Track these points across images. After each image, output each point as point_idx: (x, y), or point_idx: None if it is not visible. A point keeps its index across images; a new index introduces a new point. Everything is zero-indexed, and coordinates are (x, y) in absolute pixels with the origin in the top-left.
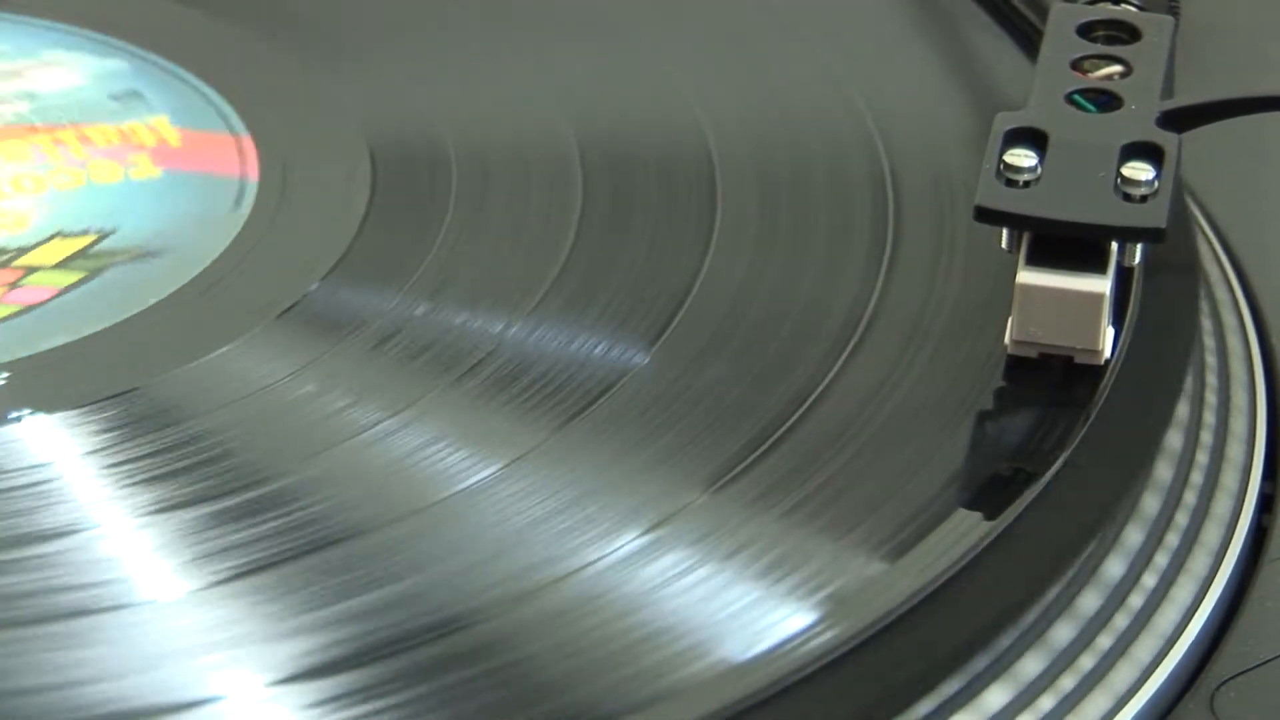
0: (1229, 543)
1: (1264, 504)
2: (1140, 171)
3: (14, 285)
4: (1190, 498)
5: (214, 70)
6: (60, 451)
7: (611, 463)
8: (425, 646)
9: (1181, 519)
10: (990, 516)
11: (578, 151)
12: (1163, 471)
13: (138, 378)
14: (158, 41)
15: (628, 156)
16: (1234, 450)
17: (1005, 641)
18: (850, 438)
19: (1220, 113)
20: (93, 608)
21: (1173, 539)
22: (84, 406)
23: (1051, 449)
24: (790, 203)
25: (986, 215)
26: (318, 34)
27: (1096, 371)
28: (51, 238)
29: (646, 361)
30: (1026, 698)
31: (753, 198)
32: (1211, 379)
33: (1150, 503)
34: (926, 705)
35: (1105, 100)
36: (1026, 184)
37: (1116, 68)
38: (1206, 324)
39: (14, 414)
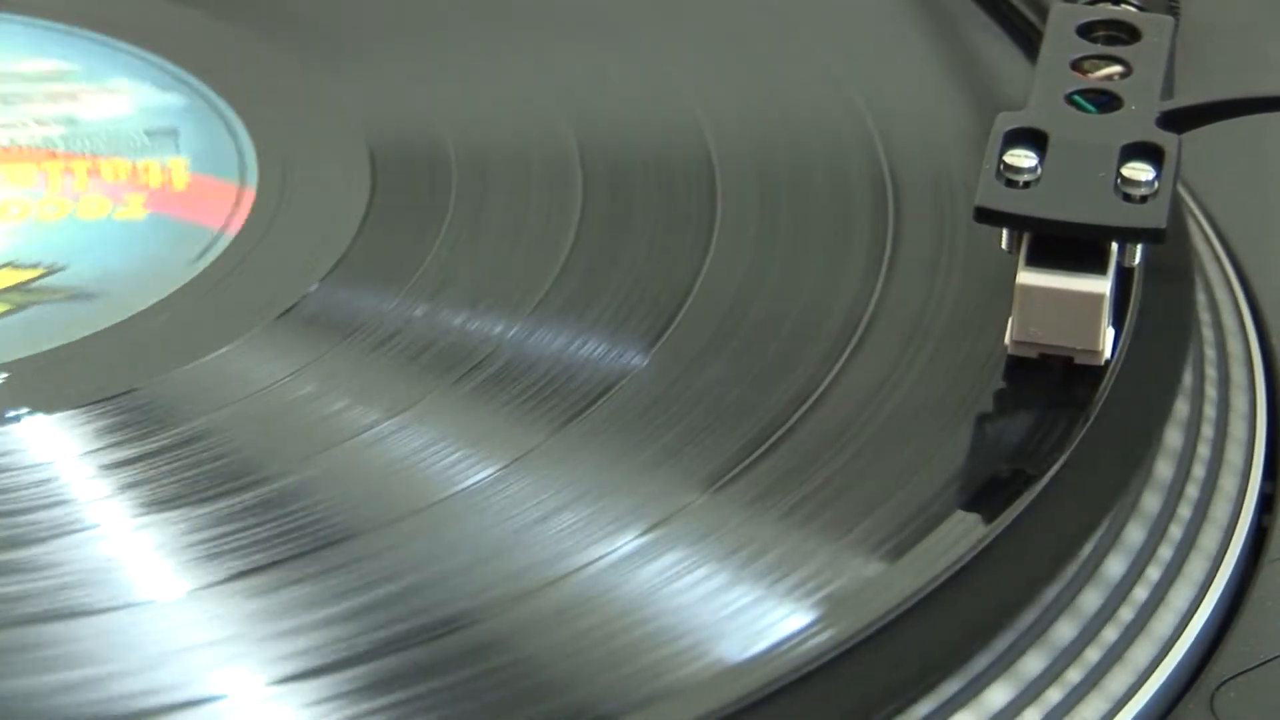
0: (1229, 543)
1: (1264, 504)
2: (1140, 172)
3: None
4: (1191, 495)
5: (214, 70)
6: (59, 452)
7: (611, 463)
8: (424, 646)
9: (1183, 515)
10: (989, 518)
11: (578, 151)
12: (1163, 470)
13: (137, 378)
14: (158, 43)
15: (628, 156)
16: (1234, 449)
17: (1006, 641)
18: (850, 438)
19: (1220, 113)
20: (92, 608)
21: (1174, 536)
22: (83, 407)
23: (1051, 450)
24: (790, 203)
25: (986, 216)
26: (318, 34)
27: (1096, 372)
28: (3, 267)
29: (646, 362)
30: (1028, 696)
31: (753, 198)
32: (1211, 379)
33: (1151, 501)
34: (926, 705)
35: (1105, 100)
36: (1026, 184)
37: (1116, 68)
38: (1206, 324)
39: (13, 414)
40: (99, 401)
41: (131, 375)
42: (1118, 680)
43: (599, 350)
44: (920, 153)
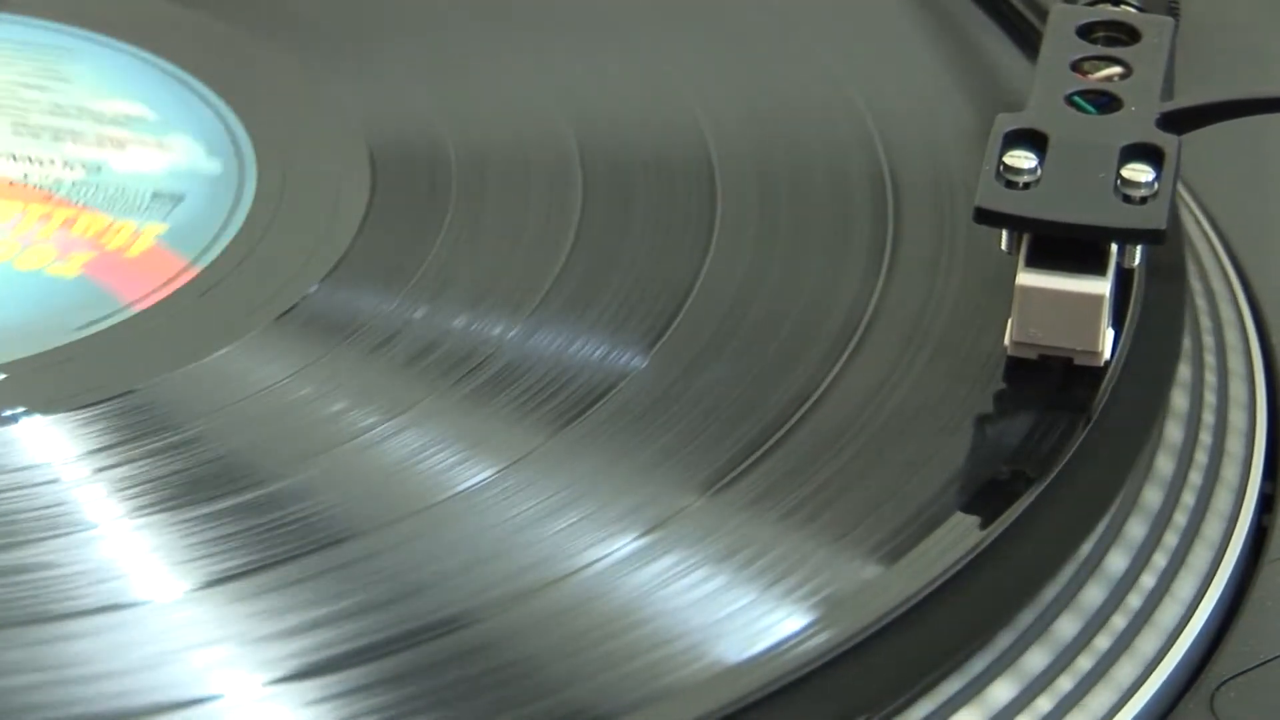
0: (1230, 536)
1: (1264, 504)
2: (1140, 173)
3: None
4: (1193, 485)
5: (214, 70)
6: (57, 452)
7: (610, 464)
8: (423, 646)
9: (1186, 504)
10: (988, 520)
11: (577, 151)
12: (1164, 464)
13: (136, 379)
14: (158, 42)
15: (628, 156)
16: (1234, 441)
17: (1008, 639)
18: (849, 439)
19: (1220, 114)
20: (91, 608)
21: (1177, 527)
22: (82, 408)
23: (1050, 451)
24: (790, 203)
25: (986, 217)
26: (318, 34)
27: (1096, 373)
28: None
29: (645, 363)
30: (1031, 693)
31: (753, 198)
32: (1211, 379)
33: (1152, 496)
34: (926, 705)
35: (1105, 101)
36: (1026, 185)
37: (1116, 69)
38: (1206, 324)
39: (11, 414)
40: (98, 403)
41: (130, 376)
42: (1118, 679)
43: (598, 351)
44: (920, 153)
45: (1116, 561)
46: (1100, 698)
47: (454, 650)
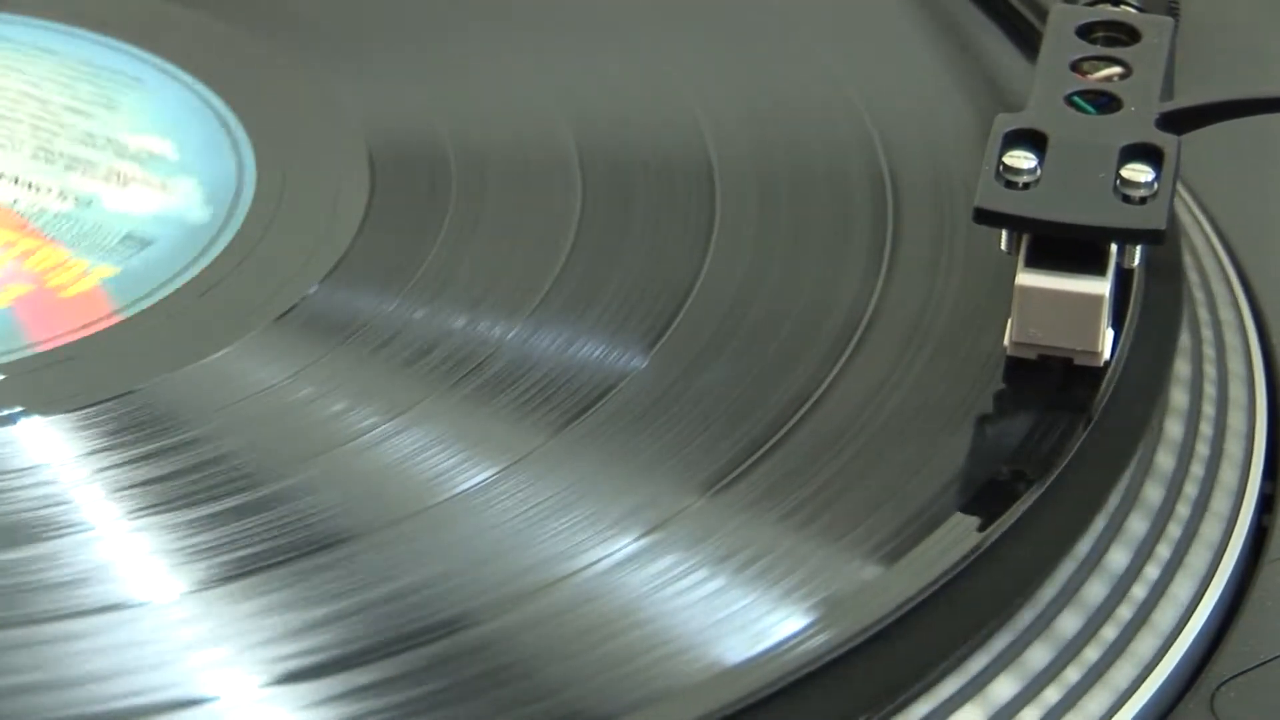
0: (1229, 538)
1: (1264, 504)
2: (1140, 173)
3: None
4: (1189, 496)
5: (214, 71)
6: (56, 453)
7: (610, 465)
8: (422, 647)
9: (1180, 518)
10: (988, 520)
11: (577, 152)
12: (1164, 461)
13: (135, 380)
14: (158, 42)
15: (627, 157)
16: (1233, 442)
17: (1007, 637)
18: (849, 439)
19: (1220, 114)
20: (89, 608)
21: (1171, 537)
22: (81, 408)
23: (1050, 452)
24: (790, 203)
25: (986, 217)
26: (318, 34)
27: (1096, 373)
28: None
29: (645, 364)
30: (1032, 690)
31: (752, 198)
32: (1211, 379)
33: (1152, 494)
34: (926, 705)
35: (1105, 101)
36: (1026, 185)
37: (1116, 69)
38: (1206, 324)
39: (10, 415)
40: (97, 403)
41: (130, 377)
42: (1118, 678)
43: (598, 351)
44: (920, 153)
45: (1118, 558)
46: (1099, 698)
47: (453, 651)
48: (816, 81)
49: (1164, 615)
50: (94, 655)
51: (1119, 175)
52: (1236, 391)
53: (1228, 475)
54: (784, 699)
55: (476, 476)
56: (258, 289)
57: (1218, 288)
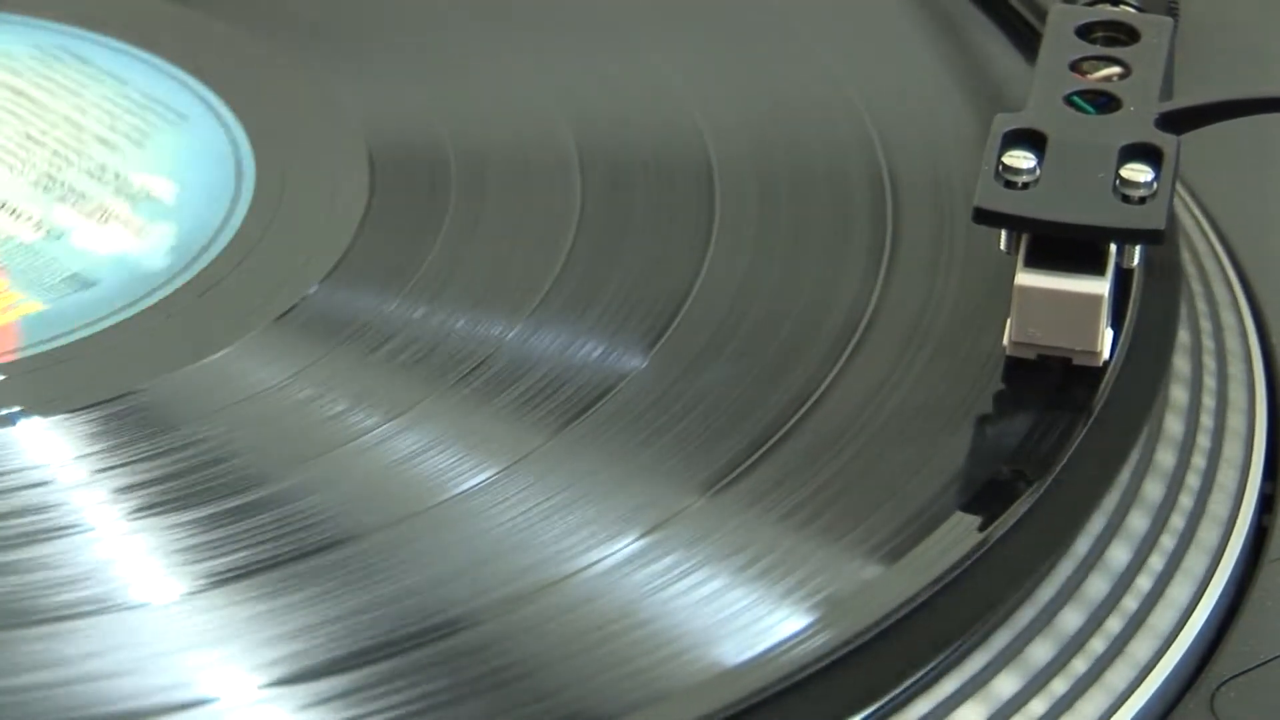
0: (1229, 538)
1: (1264, 504)
2: (1139, 173)
3: None
4: (1190, 493)
5: (214, 71)
6: (55, 454)
7: (610, 466)
8: (422, 648)
9: (1180, 517)
10: (988, 520)
11: (577, 151)
12: (1165, 459)
13: (135, 380)
14: (158, 42)
15: (628, 156)
16: (1232, 444)
17: (1006, 637)
18: (849, 439)
19: (1219, 114)
20: (88, 609)
21: (1174, 533)
22: (80, 409)
23: (1049, 452)
24: (790, 203)
25: (985, 217)
26: (318, 34)
27: (1095, 373)
28: None
29: (645, 364)
30: (1034, 687)
31: (752, 198)
32: (1210, 378)
33: (1153, 490)
34: (926, 703)
35: (1104, 101)
36: (1025, 185)
37: (1115, 69)
38: (1206, 324)
39: (9, 415)
40: (96, 403)
41: (129, 378)
42: (1118, 677)
43: (598, 352)
44: (920, 153)
45: (1118, 556)
46: (1097, 699)
47: (453, 652)
48: (816, 81)
49: (1164, 615)
50: (93, 656)
51: (1118, 175)
52: (1236, 392)
53: (1228, 475)
54: (784, 699)
55: (476, 476)
56: (257, 289)
57: (1218, 288)
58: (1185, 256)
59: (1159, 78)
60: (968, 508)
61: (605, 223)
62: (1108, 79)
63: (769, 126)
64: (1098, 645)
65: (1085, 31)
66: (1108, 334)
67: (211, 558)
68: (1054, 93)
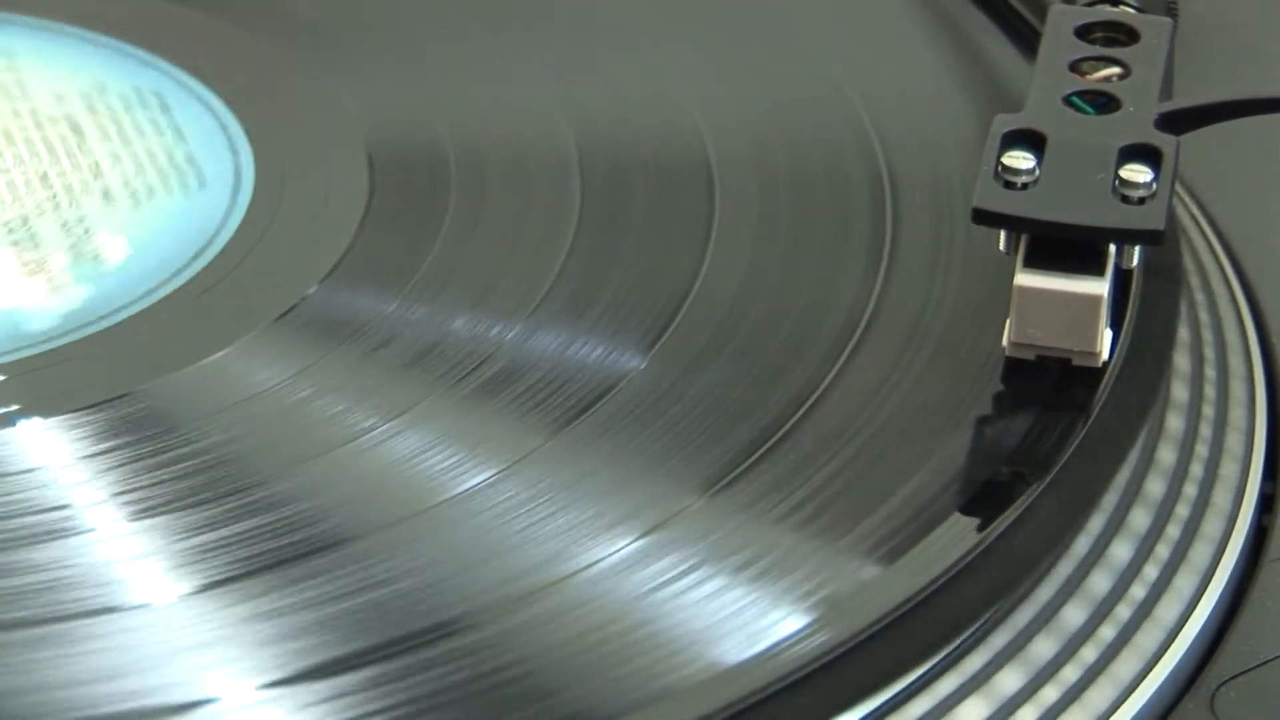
0: (1230, 534)
1: (1264, 504)
2: (1138, 174)
3: None
4: (1191, 489)
5: (214, 71)
6: (55, 454)
7: (609, 466)
8: (422, 649)
9: (1187, 501)
10: (987, 520)
11: (577, 152)
12: (1165, 458)
13: (134, 381)
14: (157, 42)
15: (627, 156)
16: (1233, 448)
17: (1004, 637)
18: (848, 439)
19: (1219, 114)
20: (87, 610)
21: (1179, 522)
22: (80, 409)
23: (1049, 452)
24: (790, 203)
25: (984, 217)
26: (318, 34)
27: (1094, 374)
28: None
29: (645, 364)
30: (1037, 683)
31: (752, 198)
32: (1210, 378)
33: (1154, 487)
34: (926, 702)
35: (1103, 102)
36: (1024, 186)
37: (1115, 69)
38: (1206, 324)
39: (9, 415)
40: (96, 404)
41: (129, 378)
42: (1118, 677)
43: (598, 352)
44: (919, 153)
45: (1120, 552)
46: (1096, 700)
47: (453, 652)
48: (816, 81)
49: (1169, 606)
50: (93, 657)
51: (1118, 176)
52: (1236, 391)
53: (1228, 474)
54: (784, 699)
55: (476, 476)
56: (257, 289)
57: (1218, 288)
58: (1185, 257)
59: (1158, 78)
60: (967, 508)
61: (605, 223)
62: (1107, 79)
63: (769, 126)
64: (1106, 633)
65: (1085, 32)
66: (1107, 335)
67: (211, 558)
68: (1053, 93)
